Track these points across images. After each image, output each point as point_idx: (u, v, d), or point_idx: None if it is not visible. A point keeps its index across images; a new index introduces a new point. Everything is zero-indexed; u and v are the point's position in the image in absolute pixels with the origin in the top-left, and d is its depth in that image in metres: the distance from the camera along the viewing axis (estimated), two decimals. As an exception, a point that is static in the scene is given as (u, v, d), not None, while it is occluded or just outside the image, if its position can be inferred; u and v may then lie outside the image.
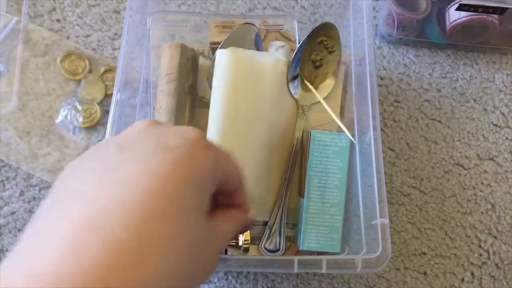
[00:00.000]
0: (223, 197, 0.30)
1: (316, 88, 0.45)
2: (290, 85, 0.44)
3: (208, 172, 0.25)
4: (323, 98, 0.44)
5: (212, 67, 0.43)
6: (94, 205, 0.22)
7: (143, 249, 0.21)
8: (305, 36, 0.44)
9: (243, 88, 0.41)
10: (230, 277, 0.47)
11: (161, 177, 0.23)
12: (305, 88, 0.45)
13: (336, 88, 0.45)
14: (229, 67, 0.41)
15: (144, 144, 0.25)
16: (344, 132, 0.42)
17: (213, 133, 0.41)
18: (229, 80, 0.41)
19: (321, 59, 0.45)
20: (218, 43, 0.45)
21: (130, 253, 0.21)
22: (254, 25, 0.46)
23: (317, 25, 0.44)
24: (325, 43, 0.45)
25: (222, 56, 0.41)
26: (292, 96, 0.44)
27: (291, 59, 0.44)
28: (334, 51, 0.45)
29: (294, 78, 0.44)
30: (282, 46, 0.45)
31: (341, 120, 0.44)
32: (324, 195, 0.41)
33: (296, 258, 0.37)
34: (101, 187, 0.22)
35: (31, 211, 0.49)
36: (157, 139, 0.25)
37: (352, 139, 0.42)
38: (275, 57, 0.44)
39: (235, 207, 0.31)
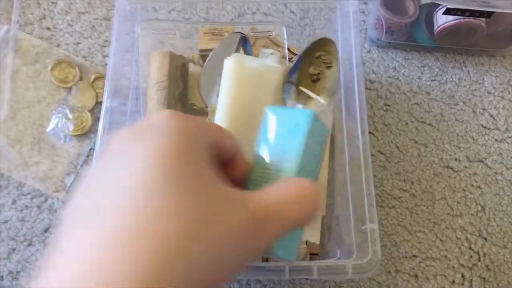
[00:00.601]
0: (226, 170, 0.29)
1: (311, 102, 0.45)
2: (286, 95, 0.44)
3: (189, 138, 0.25)
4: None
5: (202, 74, 0.44)
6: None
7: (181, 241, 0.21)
8: (302, 50, 0.44)
9: (248, 95, 0.41)
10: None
11: (146, 164, 0.22)
12: (300, 100, 0.45)
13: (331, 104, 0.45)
14: (235, 74, 0.40)
15: (124, 147, 0.25)
16: (307, 110, 0.35)
17: None
18: (235, 88, 0.40)
19: (318, 73, 0.45)
20: (207, 50, 0.45)
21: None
22: (243, 33, 0.46)
23: (315, 40, 0.44)
24: (324, 58, 0.45)
25: (229, 64, 0.41)
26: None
27: (289, 70, 0.44)
28: (332, 66, 0.45)
29: (290, 88, 0.44)
30: (272, 53, 0.46)
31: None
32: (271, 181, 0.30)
33: (287, 265, 0.37)
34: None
35: (23, 220, 0.49)
36: (131, 136, 0.25)
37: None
38: (274, 65, 0.43)
39: (237, 176, 0.30)
